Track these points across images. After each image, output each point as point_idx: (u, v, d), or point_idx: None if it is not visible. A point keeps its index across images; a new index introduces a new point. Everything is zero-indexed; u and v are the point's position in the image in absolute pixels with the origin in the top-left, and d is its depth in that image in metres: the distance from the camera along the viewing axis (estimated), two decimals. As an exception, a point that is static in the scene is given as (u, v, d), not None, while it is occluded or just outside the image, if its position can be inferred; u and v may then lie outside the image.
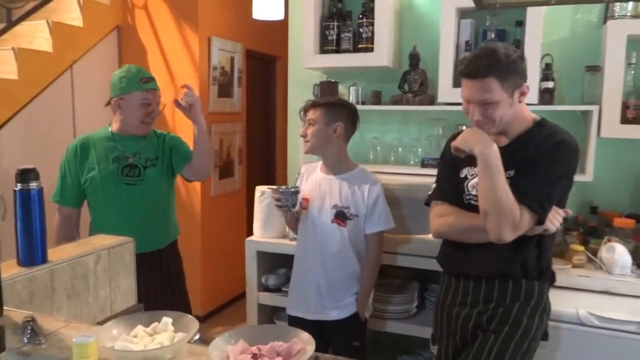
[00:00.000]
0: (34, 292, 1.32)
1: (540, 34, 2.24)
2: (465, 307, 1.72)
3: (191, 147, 2.26)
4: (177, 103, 2.15)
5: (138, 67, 2.24)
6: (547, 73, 2.30)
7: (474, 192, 1.67)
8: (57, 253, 1.44)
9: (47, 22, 3.31)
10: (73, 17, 3.51)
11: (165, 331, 1.02)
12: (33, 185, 1.33)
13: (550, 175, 1.57)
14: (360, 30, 2.56)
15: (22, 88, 3.14)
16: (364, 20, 2.54)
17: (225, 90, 4.01)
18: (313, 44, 2.62)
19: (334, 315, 2.11)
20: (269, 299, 2.59)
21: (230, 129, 4.12)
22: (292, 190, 2.06)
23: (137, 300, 1.68)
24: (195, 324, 1.01)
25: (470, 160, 1.73)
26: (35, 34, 3.32)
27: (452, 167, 1.78)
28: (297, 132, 2.83)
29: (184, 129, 3.61)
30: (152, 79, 2.21)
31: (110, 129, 2.25)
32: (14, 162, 3.13)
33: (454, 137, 1.82)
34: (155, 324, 1.05)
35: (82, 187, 2.19)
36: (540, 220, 1.57)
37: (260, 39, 4.47)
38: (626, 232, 2.19)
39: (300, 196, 2.11)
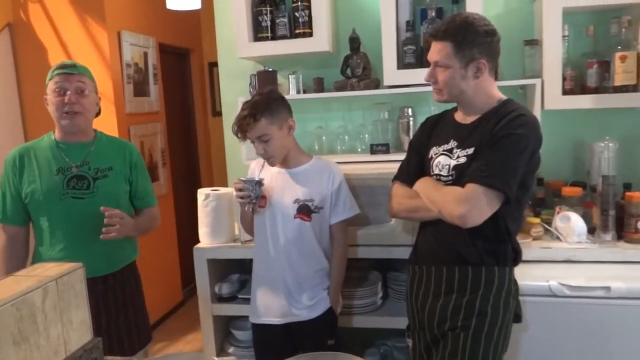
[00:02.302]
0: (-27, 346, 1.07)
1: (480, 10, 2.23)
2: (428, 299, 1.69)
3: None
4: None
5: (69, 60, 2.00)
6: (488, 49, 2.30)
7: (436, 171, 1.68)
8: (-6, 293, 1.19)
9: None
10: (-46, 14, 3.06)
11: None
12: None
13: (509, 149, 1.53)
14: (296, 14, 2.42)
15: None
16: (299, 3, 2.40)
17: (141, 89, 3.70)
18: (247, 31, 2.44)
19: (306, 315, 1.99)
20: (224, 309, 2.40)
21: (150, 130, 3.82)
22: (257, 180, 1.90)
23: (93, 334, 1.45)
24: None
25: (436, 140, 1.73)
26: None
27: (417, 149, 1.80)
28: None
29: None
30: (71, 65, 1.92)
31: (53, 136, 1.97)
32: None
33: (427, 120, 1.83)
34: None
35: (24, 202, 1.91)
36: (508, 198, 1.52)
37: (172, 31, 4.20)
38: (574, 200, 2.25)
39: (262, 188, 1.95)
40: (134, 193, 2.07)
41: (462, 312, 1.61)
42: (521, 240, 2.14)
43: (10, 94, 3.39)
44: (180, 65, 4.59)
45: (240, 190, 1.89)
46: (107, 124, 3.40)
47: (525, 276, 1.93)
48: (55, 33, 3.39)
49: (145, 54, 3.75)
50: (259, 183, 1.91)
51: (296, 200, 1.95)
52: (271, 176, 2.01)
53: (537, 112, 2.27)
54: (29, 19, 3.40)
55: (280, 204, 1.97)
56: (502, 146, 1.53)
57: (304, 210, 1.94)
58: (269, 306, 2.01)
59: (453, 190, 1.57)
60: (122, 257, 2.05)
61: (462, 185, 1.55)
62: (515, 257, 1.68)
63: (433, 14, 2.32)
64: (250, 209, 1.95)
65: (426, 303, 1.69)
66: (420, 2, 2.41)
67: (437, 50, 1.61)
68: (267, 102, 1.87)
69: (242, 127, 1.87)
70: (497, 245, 1.62)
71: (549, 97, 2.25)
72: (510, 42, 2.43)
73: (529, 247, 2.11)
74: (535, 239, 2.18)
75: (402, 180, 1.78)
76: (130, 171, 2.05)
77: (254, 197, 1.89)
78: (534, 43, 2.31)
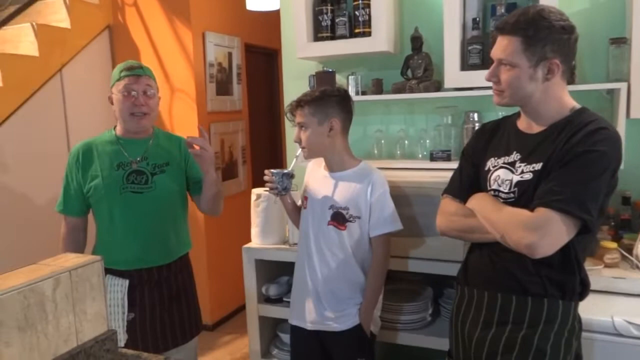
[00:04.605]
0: (-26, 329, 1.13)
1: (557, 4, 1.98)
2: (477, 327, 1.50)
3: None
4: (189, 143, 1.92)
5: (135, 61, 2.07)
6: (566, 49, 2.05)
7: (495, 186, 1.48)
8: (4, 280, 1.26)
9: (32, 25, 3.15)
10: (60, 18, 3.36)
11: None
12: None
13: (588, 168, 1.31)
14: (357, 13, 2.33)
15: (7, 95, 2.99)
16: (360, 2, 2.31)
17: (224, 88, 3.82)
18: (306, 31, 2.40)
19: (335, 326, 1.90)
20: (270, 310, 2.39)
21: (231, 128, 3.93)
22: (284, 172, 1.88)
23: (108, 327, 1.49)
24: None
25: (495, 150, 1.53)
26: (19, 38, 3.18)
27: (471, 160, 1.60)
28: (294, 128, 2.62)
29: (182, 129, 3.45)
30: (138, 67, 2.00)
31: (114, 132, 2.08)
32: (5, 174, 3.00)
33: (484, 126, 1.64)
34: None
35: (85, 196, 2.03)
36: (587, 226, 1.31)
37: (260, 31, 4.28)
38: (664, 224, 1.94)
39: (293, 181, 1.92)
40: (194, 180, 2.09)
41: (516, 348, 1.42)
42: (591, 267, 1.89)
43: (109, 92, 3.66)
44: (268, 64, 4.68)
45: (268, 182, 1.90)
46: (188, 121, 3.58)
47: (587, 308, 1.68)
48: (147, 34, 3.61)
49: (230, 54, 3.87)
50: (287, 175, 1.88)
51: (331, 207, 1.88)
52: (317, 178, 1.97)
53: (621, 121, 1.98)
54: (125, 22, 3.65)
55: (317, 207, 1.92)
56: (580, 165, 1.31)
57: (338, 218, 1.86)
58: (301, 310, 1.97)
59: (519, 213, 1.36)
60: (176, 249, 2.10)
61: (530, 207, 1.35)
62: (583, 290, 1.45)
63: (502, 10, 2.11)
64: (278, 200, 2.01)
65: (474, 332, 1.51)
66: (492, -2, 2.22)
67: (502, 46, 1.41)
68: (319, 95, 1.87)
69: (291, 110, 1.92)
70: (563, 275, 1.41)
71: (636, 104, 1.95)
72: (594, 40, 2.15)
73: (599, 276, 1.84)
74: (608, 266, 1.90)
75: (454, 195, 1.59)
76: (185, 162, 2.11)
77: (282, 188, 1.89)
78: (621, 41, 2.01)
